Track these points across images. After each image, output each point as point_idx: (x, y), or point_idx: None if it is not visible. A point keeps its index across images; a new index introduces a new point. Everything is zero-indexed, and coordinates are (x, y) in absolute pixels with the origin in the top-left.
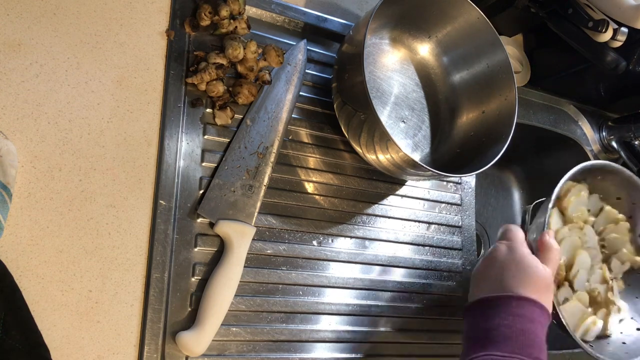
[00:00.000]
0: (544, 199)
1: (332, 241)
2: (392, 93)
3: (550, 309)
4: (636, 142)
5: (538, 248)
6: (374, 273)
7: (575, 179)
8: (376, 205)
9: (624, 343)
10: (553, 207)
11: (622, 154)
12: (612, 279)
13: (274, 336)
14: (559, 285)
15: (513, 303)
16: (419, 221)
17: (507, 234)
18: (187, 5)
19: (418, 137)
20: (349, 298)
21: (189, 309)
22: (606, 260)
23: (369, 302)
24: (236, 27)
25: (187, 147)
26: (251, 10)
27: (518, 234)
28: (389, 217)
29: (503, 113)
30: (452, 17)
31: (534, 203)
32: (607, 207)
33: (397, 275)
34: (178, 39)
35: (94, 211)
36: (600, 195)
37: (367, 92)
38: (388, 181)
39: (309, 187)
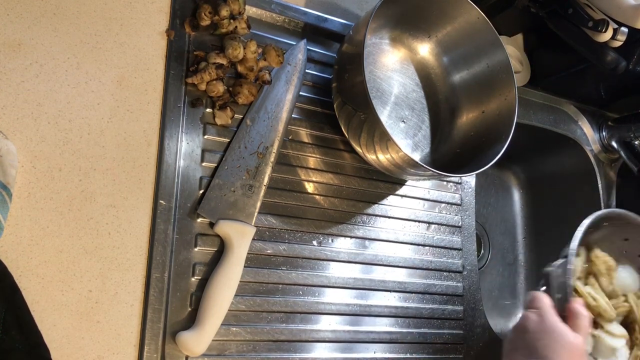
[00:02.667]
0: (563, 260)
1: (332, 241)
2: (392, 93)
3: None
4: (636, 142)
5: (567, 315)
6: (374, 273)
7: (586, 233)
8: (376, 205)
9: None
10: (574, 268)
11: (622, 154)
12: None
13: (274, 336)
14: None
15: None
16: (419, 221)
17: (534, 302)
18: (187, 5)
19: (418, 137)
20: (349, 298)
21: (189, 309)
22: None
23: (369, 302)
24: (236, 27)
25: (187, 147)
26: (251, 10)
27: (545, 301)
28: (389, 217)
29: (503, 113)
30: (452, 17)
31: (553, 264)
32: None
33: (397, 275)
34: (178, 39)
35: (94, 211)
36: (608, 242)
37: (367, 92)
38: (388, 181)
39: (309, 187)
